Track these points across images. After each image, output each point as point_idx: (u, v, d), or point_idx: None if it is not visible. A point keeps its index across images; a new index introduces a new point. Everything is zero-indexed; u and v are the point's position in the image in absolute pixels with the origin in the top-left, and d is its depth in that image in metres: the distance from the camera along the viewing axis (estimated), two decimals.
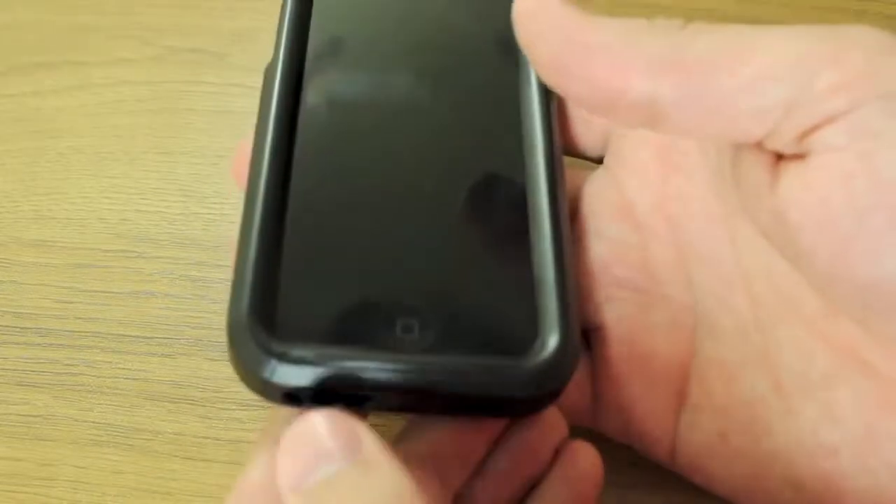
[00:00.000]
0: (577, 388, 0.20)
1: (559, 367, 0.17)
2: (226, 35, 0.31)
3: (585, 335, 0.21)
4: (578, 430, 0.20)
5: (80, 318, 0.26)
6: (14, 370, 0.26)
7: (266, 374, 0.16)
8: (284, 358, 0.16)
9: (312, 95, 0.21)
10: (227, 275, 0.26)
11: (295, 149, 0.20)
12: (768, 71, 0.15)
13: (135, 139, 0.30)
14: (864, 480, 0.16)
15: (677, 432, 0.19)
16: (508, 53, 0.21)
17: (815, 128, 0.15)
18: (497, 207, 0.19)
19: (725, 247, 0.19)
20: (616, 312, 0.20)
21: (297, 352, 0.16)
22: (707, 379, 0.18)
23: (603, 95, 0.16)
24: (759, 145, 0.16)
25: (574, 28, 0.16)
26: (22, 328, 0.26)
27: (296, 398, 0.16)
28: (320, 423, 0.15)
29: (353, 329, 0.17)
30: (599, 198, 0.21)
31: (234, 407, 0.25)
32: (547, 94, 0.21)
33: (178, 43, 0.31)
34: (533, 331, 0.17)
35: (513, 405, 0.17)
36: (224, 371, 0.25)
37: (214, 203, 0.28)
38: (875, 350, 0.16)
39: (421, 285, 0.18)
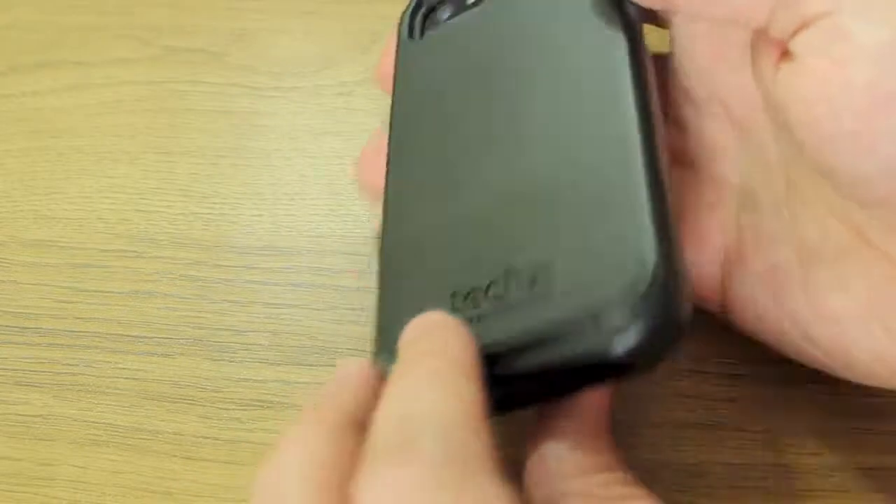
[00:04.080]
0: None
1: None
2: (226, 35, 0.31)
3: None
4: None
5: (79, 318, 0.26)
6: (14, 370, 0.26)
7: None
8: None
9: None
10: (227, 274, 0.27)
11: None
12: None
13: (135, 139, 0.30)
14: (867, 343, 0.18)
15: (723, 292, 0.21)
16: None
17: (801, 26, 0.17)
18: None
19: (769, 133, 0.20)
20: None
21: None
22: (744, 246, 0.21)
23: None
24: (766, 35, 0.18)
25: None
26: (22, 328, 0.26)
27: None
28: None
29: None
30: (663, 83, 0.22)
31: (233, 407, 0.25)
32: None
33: (178, 43, 0.31)
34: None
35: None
36: (224, 371, 0.25)
37: (214, 203, 0.28)
38: (879, 233, 0.17)
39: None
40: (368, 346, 0.25)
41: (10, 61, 0.31)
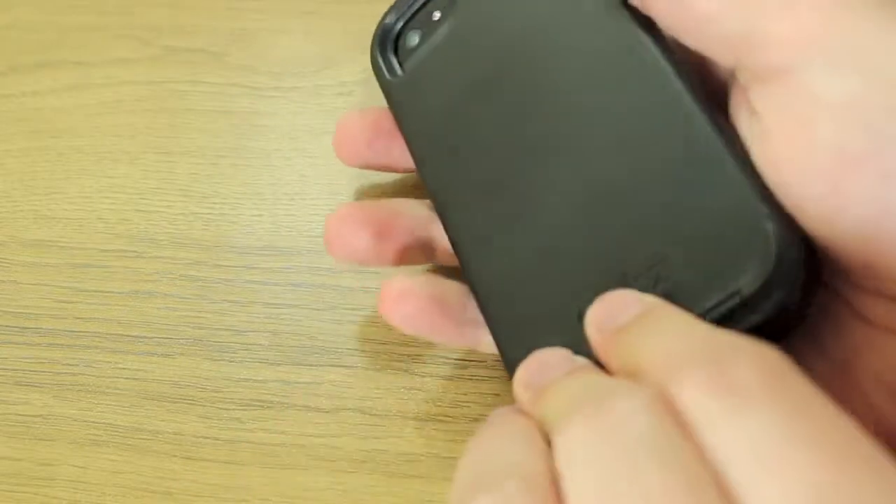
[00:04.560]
0: None
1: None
2: (226, 35, 0.31)
3: None
4: None
5: (79, 318, 0.26)
6: (14, 370, 0.26)
7: None
8: None
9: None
10: (227, 274, 0.27)
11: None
12: (730, 3, 0.17)
13: (135, 139, 0.30)
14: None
15: None
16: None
17: (766, 78, 0.16)
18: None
19: None
20: None
21: None
22: None
23: None
24: (736, 77, 0.18)
25: None
26: (22, 328, 0.26)
27: None
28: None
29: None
30: None
31: (233, 407, 0.25)
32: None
33: (177, 43, 0.31)
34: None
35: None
36: (224, 371, 0.25)
37: (214, 203, 0.28)
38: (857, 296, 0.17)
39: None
40: (368, 347, 0.25)
41: (10, 61, 0.31)
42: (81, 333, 0.26)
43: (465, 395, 0.24)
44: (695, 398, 0.13)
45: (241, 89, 0.30)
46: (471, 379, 0.24)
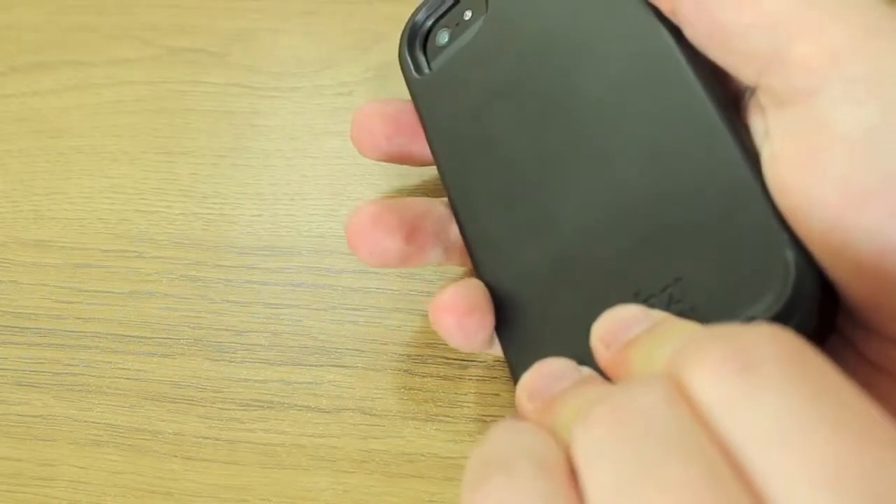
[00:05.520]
0: None
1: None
2: (226, 35, 0.31)
3: None
4: None
5: (79, 318, 0.26)
6: (14, 370, 0.26)
7: None
8: None
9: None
10: (227, 275, 0.27)
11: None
12: (759, 20, 0.16)
13: (135, 139, 0.30)
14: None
15: None
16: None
17: (785, 100, 0.16)
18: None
19: None
20: None
21: None
22: None
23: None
24: (755, 98, 0.17)
25: None
26: (22, 328, 0.26)
27: None
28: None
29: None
30: None
31: (233, 407, 0.25)
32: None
33: (178, 43, 0.31)
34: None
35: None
36: (224, 371, 0.25)
37: (214, 203, 0.28)
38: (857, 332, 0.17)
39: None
40: (368, 347, 0.25)
41: (10, 61, 0.31)
42: (81, 333, 0.26)
43: (465, 395, 0.24)
44: (711, 381, 0.13)
45: (241, 89, 0.30)
46: (471, 379, 0.24)
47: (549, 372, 0.17)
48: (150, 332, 0.26)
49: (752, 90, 0.18)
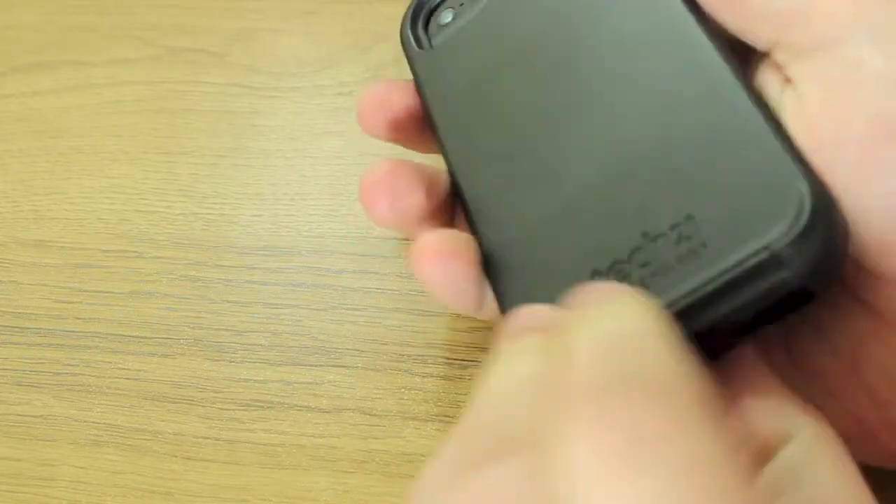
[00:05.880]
0: None
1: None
2: (226, 35, 0.31)
3: None
4: None
5: (79, 318, 0.26)
6: (14, 370, 0.26)
7: None
8: None
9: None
10: (227, 275, 0.27)
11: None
12: None
13: (135, 139, 0.30)
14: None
15: None
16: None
17: (809, 51, 0.16)
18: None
19: None
20: None
21: None
22: None
23: None
24: (770, 59, 0.18)
25: None
26: (22, 328, 0.26)
27: None
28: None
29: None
30: None
31: (233, 407, 0.25)
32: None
33: (178, 43, 0.31)
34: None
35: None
36: (224, 371, 0.25)
37: (214, 203, 0.28)
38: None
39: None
40: (367, 347, 0.25)
41: (10, 61, 0.31)
42: (81, 333, 0.26)
43: (465, 395, 0.24)
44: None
45: (241, 89, 0.30)
46: (471, 379, 0.24)
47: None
48: (150, 332, 0.26)
49: (763, 55, 0.18)
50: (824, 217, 0.15)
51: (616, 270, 0.17)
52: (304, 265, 0.27)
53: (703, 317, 0.16)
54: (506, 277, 0.20)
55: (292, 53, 0.30)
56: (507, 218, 0.20)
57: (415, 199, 0.20)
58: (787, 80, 0.17)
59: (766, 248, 0.15)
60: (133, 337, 0.26)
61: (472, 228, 0.21)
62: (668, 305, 0.16)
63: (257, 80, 0.30)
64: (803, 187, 0.15)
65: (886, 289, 0.16)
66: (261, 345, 0.25)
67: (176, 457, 0.24)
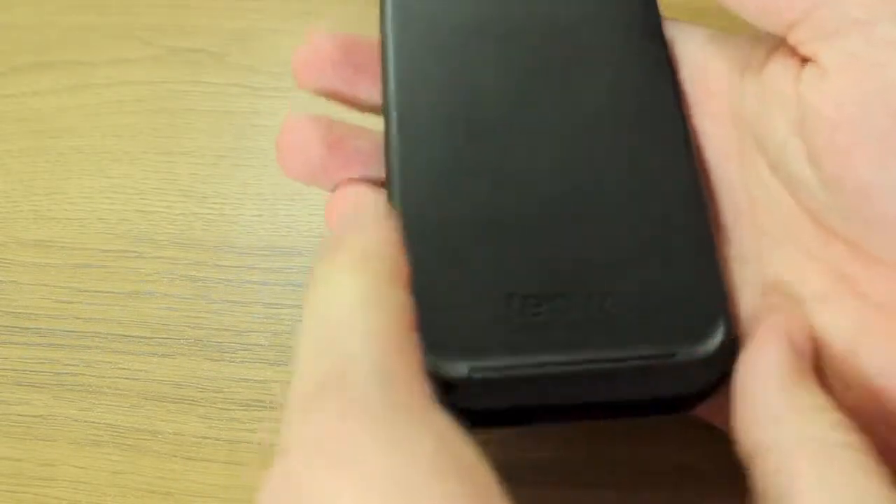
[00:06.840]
0: None
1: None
2: (226, 35, 0.31)
3: None
4: None
5: (79, 318, 0.26)
6: (14, 370, 0.26)
7: None
8: None
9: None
10: (227, 275, 0.27)
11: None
12: None
13: (135, 139, 0.30)
14: (856, 384, 0.17)
15: None
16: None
17: (833, 32, 0.17)
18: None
19: (737, 179, 0.20)
20: None
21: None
22: None
23: None
24: (786, 44, 0.18)
25: None
26: (22, 328, 0.26)
27: None
28: None
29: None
30: None
31: (234, 407, 0.25)
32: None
33: (178, 43, 0.31)
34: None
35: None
36: (224, 371, 0.25)
37: (214, 203, 0.28)
38: (863, 274, 0.17)
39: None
40: None
41: (10, 61, 0.31)
42: (81, 333, 0.26)
43: None
44: None
45: (241, 89, 0.30)
46: None
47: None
48: (150, 332, 0.26)
49: (780, 41, 0.18)
50: (730, 346, 0.16)
51: (529, 303, 0.17)
52: (304, 265, 0.27)
53: (584, 388, 0.17)
54: (423, 269, 0.18)
55: (292, 53, 0.30)
56: (431, 199, 0.19)
57: (315, 151, 0.21)
58: (805, 60, 0.17)
59: (670, 355, 0.16)
60: (133, 337, 0.26)
61: (391, 194, 0.19)
62: (562, 364, 0.16)
63: (257, 80, 0.30)
64: (725, 312, 0.17)
65: (886, 275, 0.17)
66: (261, 345, 0.25)
67: (176, 457, 0.24)
